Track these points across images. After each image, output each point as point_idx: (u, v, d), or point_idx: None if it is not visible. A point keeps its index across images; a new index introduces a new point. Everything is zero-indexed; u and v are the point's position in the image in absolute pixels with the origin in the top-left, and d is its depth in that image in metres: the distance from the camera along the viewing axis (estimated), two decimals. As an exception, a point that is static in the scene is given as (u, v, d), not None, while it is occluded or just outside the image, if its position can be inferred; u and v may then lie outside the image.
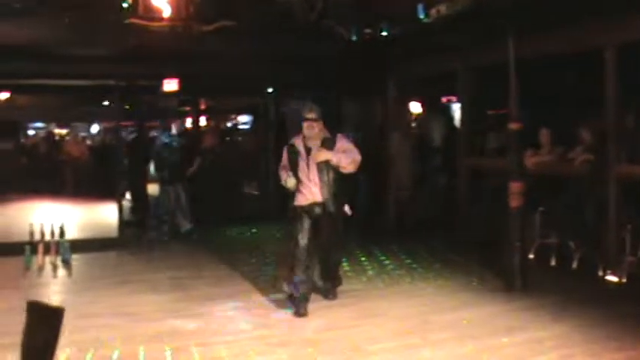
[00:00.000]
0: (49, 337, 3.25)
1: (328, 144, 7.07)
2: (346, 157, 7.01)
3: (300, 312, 6.84)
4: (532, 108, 10.56)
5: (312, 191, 7.09)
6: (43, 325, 3.26)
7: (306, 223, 7.06)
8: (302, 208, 7.13)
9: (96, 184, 15.39)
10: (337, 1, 9.45)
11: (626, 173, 8.12)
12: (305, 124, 7.12)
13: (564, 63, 10.26)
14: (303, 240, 7.00)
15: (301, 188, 7.13)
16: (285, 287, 7.14)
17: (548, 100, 11.08)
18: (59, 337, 3.26)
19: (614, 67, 8.18)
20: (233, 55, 11.32)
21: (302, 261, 6.97)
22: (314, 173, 7.09)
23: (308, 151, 7.15)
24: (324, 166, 7.04)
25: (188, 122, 17.72)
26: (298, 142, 7.24)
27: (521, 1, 7.79)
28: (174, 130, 12.21)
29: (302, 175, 7.13)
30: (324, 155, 6.99)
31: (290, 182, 7.10)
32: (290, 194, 7.28)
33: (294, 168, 7.18)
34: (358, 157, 7.10)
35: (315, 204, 7.08)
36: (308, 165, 7.12)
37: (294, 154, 7.24)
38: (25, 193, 15.65)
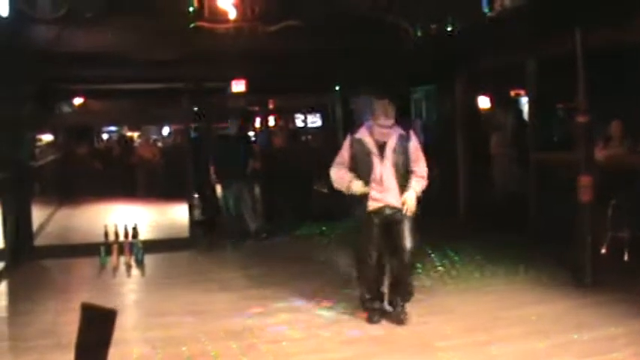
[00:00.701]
0: (101, 338, 3.34)
1: (404, 142, 6.42)
2: (423, 178, 6.49)
3: (373, 320, 6.49)
4: (601, 102, 10.39)
5: (388, 194, 6.36)
6: (96, 327, 3.35)
7: (377, 231, 6.44)
8: (375, 213, 6.42)
9: (167, 185, 15.75)
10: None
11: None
12: (380, 118, 6.36)
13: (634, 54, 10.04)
14: (374, 252, 6.46)
15: (373, 191, 6.37)
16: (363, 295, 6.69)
17: (616, 92, 10.85)
18: (111, 339, 3.35)
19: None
20: (299, 54, 11.39)
21: (371, 277, 6.55)
22: (389, 173, 6.36)
23: (381, 147, 6.39)
24: (401, 165, 6.39)
25: (256, 122, 17.97)
26: (366, 137, 6.45)
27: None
28: (232, 129, 12.15)
29: (375, 175, 6.35)
30: (413, 202, 6.35)
31: (356, 186, 6.35)
32: (351, 197, 6.51)
33: (362, 167, 6.42)
34: (425, 169, 6.52)
35: (390, 207, 6.39)
36: (383, 163, 6.36)
37: (362, 151, 6.43)
38: (99, 195, 16.13)
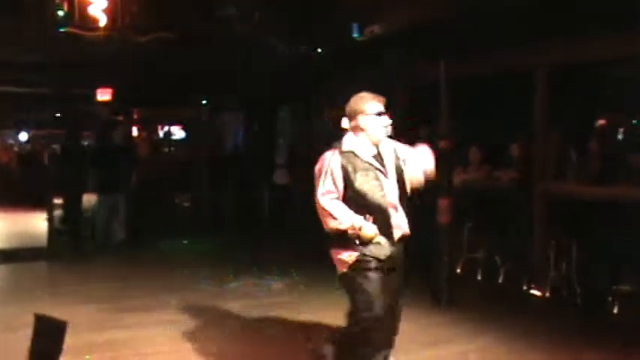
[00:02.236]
0: (54, 347, 3.39)
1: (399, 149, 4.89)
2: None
3: None
4: (465, 126, 10.90)
5: (397, 224, 4.75)
6: (49, 337, 3.41)
7: (381, 282, 4.66)
8: (382, 258, 4.67)
9: (24, 192, 15.19)
10: (274, 16, 9.58)
11: (551, 190, 8.44)
12: (379, 120, 4.72)
13: (499, 83, 10.64)
14: (380, 312, 4.63)
15: (378, 226, 4.64)
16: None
17: (480, 118, 11.42)
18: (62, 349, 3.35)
19: (544, 88, 8.56)
20: (168, 67, 11.33)
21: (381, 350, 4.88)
22: (395, 194, 4.75)
23: (381, 162, 4.76)
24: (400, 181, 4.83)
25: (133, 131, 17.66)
26: (361, 152, 4.70)
27: (455, 27, 8.02)
28: (115, 139, 11.93)
29: (379, 202, 4.64)
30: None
31: (370, 230, 4.56)
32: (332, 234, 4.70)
33: (364, 192, 4.62)
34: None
35: (401, 242, 4.82)
36: (387, 182, 4.72)
37: (364, 171, 4.64)
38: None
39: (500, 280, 8.81)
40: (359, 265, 4.60)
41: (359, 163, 4.62)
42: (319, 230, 4.77)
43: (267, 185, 13.64)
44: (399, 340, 6.42)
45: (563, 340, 6.46)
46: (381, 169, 4.67)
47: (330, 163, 4.64)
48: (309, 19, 10.02)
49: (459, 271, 9.21)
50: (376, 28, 8.37)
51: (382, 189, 4.63)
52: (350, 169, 4.59)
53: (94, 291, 8.47)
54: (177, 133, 20.45)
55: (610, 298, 7.47)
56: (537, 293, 8.28)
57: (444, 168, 7.99)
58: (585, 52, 8.06)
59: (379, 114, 4.69)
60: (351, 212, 4.55)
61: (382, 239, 4.60)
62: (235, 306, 7.61)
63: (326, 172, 4.63)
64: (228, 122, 16.79)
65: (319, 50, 10.64)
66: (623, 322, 7.20)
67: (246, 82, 12.47)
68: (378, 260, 4.60)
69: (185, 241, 12.20)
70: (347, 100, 4.84)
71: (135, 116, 18.60)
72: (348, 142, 4.72)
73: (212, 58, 11.09)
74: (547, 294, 8.19)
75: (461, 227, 9.17)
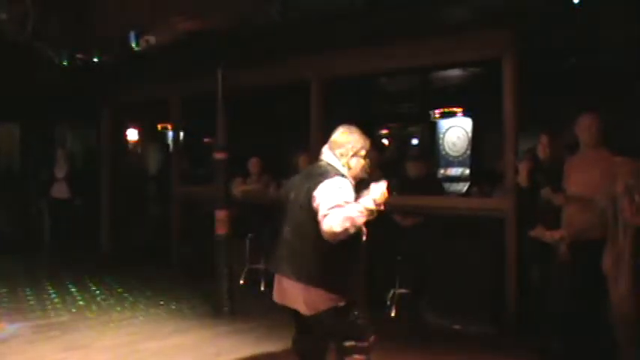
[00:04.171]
0: None
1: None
2: None
3: None
4: (245, 137, 11.01)
5: None
6: None
7: None
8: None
9: None
10: (49, 22, 9.15)
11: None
12: (367, 153, 4.59)
13: (279, 94, 10.87)
14: None
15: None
16: None
17: (262, 130, 11.61)
18: None
19: (319, 99, 8.86)
20: None
21: None
22: None
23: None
24: None
25: None
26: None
27: (230, 38, 8.06)
28: None
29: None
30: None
31: (372, 202, 4.21)
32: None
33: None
34: None
35: None
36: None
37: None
38: None
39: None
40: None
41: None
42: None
43: (46, 200, 13.03)
44: (179, 352, 6.40)
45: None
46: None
47: (342, 181, 4.30)
48: (86, 28, 9.66)
49: (241, 282, 9.26)
50: (151, 38, 8.22)
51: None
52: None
53: None
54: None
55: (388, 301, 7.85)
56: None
57: (220, 179, 8.02)
58: (356, 64, 8.46)
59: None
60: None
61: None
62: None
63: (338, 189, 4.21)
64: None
65: (95, 60, 10.26)
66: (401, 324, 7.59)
67: (20, 92, 11.83)
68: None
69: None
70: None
71: None
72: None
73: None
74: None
75: (242, 238, 9.23)
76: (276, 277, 4.57)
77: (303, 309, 4.35)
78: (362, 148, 4.50)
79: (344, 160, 4.44)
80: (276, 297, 4.60)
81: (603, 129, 5.89)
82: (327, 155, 4.49)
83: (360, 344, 4.43)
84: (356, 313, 4.39)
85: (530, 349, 6.37)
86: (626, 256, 4.92)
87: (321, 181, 4.22)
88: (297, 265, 4.35)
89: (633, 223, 4.82)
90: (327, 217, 4.05)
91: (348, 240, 4.12)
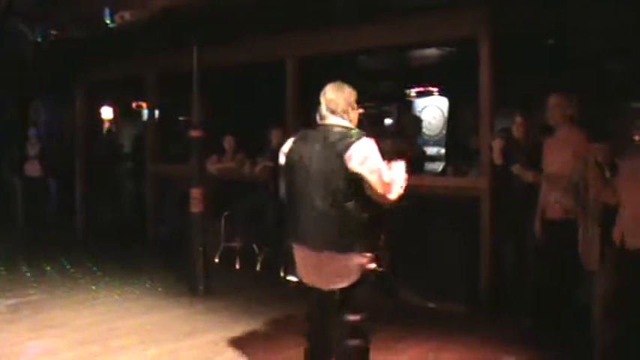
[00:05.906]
0: None
1: None
2: None
3: None
4: (222, 115, 10.94)
5: None
6: None
7: None
8: None
9: None
10: (21, -1, 9.02)
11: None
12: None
13: (257, 72, 10.81)
14: None
15: None
16: None
17: (239, 107, 11.56)
18: None
19: (295, 77, 8.90)
20: None
21: None
22: None
23: None
24: None
25: None
26: None
27: (207, 15, 7.99)
28: None
29: None
30: None
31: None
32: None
33: None
34: None
35: None
36: None
37: None
38: None
39: (257, 268, 8.96)
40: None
41: None
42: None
43: (18, 178, 12.92)
44: (154, 330, 6.39)
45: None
46: None
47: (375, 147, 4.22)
48: (60, 3, 9.52)
49: (216, 260, 9.25)
50: (126, 14, 8.11)
51: None
52: None
53: None
54: None
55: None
56: (294, 279, 8.44)
57: (196, 157, 7.97)
58: (331, 43, 8.45)
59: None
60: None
61: None
62: None
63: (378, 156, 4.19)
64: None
65: (70, 37, 10.11)
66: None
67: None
68: None
69: None
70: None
71: None
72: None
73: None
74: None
75: (217, 216, 9.21)
76: (307, 254, 4.33)
77: (339, 283, 4.22)
78: (355, 99, 4.45)
79: (347, 117, 4.35)
80: (305, 276, 4.42)
81: (573, 109, 5.94)
82: (331, 118, 4.34)
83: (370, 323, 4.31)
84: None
85: (503, 326, 6.44)
86: (595, 231, 4.96)
87: (351, 143, 4.11)
88: (335, 234, 4.15)
89: (601, 198, 4.88)
90: (390, 184, 4.11)
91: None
